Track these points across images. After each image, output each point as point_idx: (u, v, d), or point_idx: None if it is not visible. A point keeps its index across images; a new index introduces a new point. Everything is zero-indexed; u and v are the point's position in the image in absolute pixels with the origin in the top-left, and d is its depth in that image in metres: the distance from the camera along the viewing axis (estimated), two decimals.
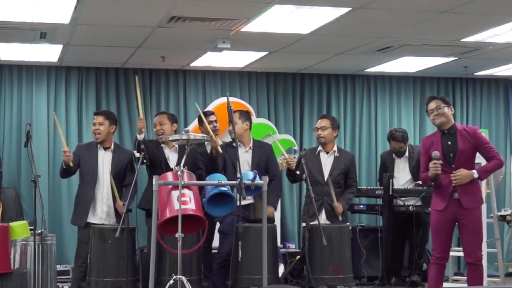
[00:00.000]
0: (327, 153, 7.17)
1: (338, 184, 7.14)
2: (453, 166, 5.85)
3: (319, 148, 7.22)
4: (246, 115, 6.87)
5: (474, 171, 5.84)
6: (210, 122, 7.08)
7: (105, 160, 6.81)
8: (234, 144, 6.39)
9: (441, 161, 5.81)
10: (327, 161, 7.17)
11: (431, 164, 5.83)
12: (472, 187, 5.88)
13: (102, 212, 6.74)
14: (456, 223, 5.95)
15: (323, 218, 6.93)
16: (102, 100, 8.96)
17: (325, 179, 7.08)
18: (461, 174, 5.81)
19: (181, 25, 6.64)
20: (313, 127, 9.31)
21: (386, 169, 8.29)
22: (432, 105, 5.96)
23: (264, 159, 6.73)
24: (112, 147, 6.91)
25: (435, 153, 5.81)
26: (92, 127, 6.90)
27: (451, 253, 6.80)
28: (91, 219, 6.72)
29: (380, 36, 7.23)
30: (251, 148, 6.75)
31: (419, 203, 7.88)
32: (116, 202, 6.65)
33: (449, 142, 5.89)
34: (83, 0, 5.82)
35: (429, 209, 7.95)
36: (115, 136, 8.92)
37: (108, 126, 6.85)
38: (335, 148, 7.20)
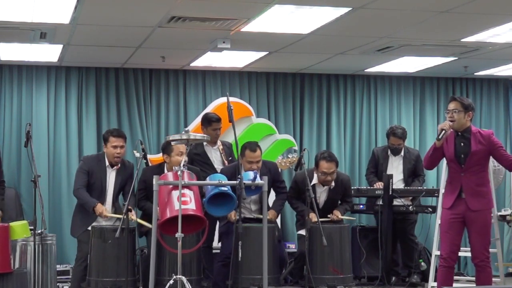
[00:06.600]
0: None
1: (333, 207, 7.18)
2: (462, 166, 5.91)
3: (315, 181, 7.11)
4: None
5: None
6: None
7: (110, 178, 6.77)
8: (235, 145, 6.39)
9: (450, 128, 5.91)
10: (322, 194, 7.17)
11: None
12: (482, 190, 5.95)
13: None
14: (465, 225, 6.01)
15: None
16: (102, 100, 8.95)
17: (320, 208, 7.02)
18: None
19: (181, 25, 6.64)
20: (314, 128, 9.41)
21: (377, 166, 8.32)
22: (451, 106, 6.03)
23: (270, 179, 6.69)
24: (119, 165, 6.79)
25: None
26: (112, 149, 6.66)
27: None
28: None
29: (380, 36, 7.22)
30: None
31: (407, 202, 7.97)
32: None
33: (462, 144, 5.96)
34: (83, 0, 5.82)
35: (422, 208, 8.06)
36: None
37: (125, 149, 6.80)
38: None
